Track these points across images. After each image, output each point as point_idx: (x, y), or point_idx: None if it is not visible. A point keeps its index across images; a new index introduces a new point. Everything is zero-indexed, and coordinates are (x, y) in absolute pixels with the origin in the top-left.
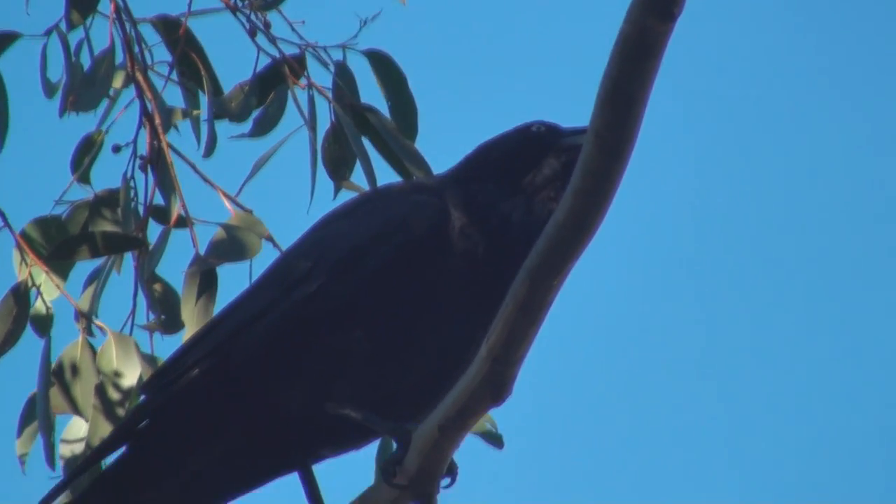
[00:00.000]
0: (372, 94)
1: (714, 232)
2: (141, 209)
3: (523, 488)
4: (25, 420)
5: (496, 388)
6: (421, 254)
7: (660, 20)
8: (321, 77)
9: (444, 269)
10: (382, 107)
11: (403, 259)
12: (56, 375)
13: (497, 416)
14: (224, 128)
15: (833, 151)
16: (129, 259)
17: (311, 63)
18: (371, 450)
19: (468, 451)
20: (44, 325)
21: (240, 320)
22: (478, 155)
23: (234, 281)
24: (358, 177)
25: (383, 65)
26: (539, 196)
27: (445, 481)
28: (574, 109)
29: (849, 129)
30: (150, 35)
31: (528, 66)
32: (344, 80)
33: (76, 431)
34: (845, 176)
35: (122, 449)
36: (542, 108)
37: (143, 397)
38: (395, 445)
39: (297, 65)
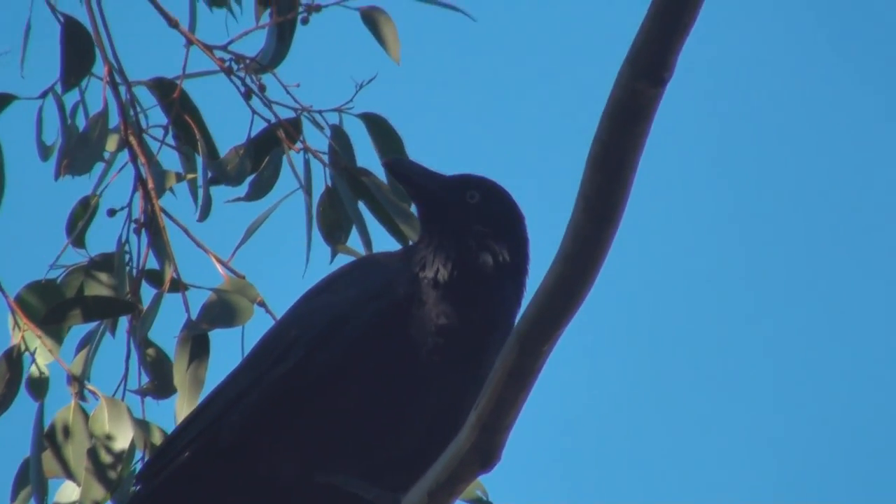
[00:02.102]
0: (368, 156)
1: (708, 289)
2: (135, 273)
3: None
4: (19, 484)
5: (485, 454)
6: (400, 316)
7: (650, 84)
8: (316, 140)
9: (424, 329)
10: (379, 170)
11: (383, 325)
12: (49, 439)
13: (488, 483)
14: (220, 191)
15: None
16: (122, 323)
17: (306, 126)
18: None
19: None
20: (39, 389)
21: (226, 399)
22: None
23: (226, 346)
24: (354, 240)
25: (379, 127)
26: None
27: None
28: (567, 169)
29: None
30: (146, 97)
31: (522, 126)
32: (340, 143)
33: (69, 495)
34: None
35: None
36: (536, 169)
37: (137, 487)
38: None
39: (292, 128)
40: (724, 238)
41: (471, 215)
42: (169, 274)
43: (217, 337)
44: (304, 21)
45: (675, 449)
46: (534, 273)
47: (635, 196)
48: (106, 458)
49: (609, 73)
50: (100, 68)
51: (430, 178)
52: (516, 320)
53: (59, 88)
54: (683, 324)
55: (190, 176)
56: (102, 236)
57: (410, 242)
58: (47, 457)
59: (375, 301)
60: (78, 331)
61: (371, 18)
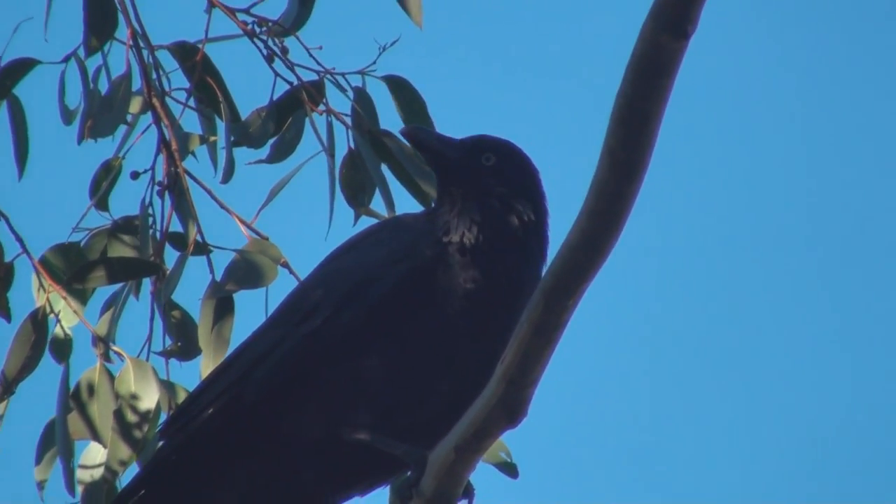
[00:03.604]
0: (391, 118)
1: (729, 246)
2: (158, 235)
3: None
4: (44, 446)
5: (511, 409)
6: (426, 278)
7: (674, 37)
8: (339, 103)
9: (451, 293)
10: (400, 134)
11: (409, 284)
12: (74, 400)
13: (511, 443)
14: (241, 154)
15: (855, 159)
16: (146, 285)
17: (329, 89)
18: None
19: (481, 481)
20: (63, 350)
21: (251, 358)
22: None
23: (250, 307)
24: (377, 203)
25: (402, 90)
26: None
27: (462, 503)
28: (591, 125)
29: (872, 137)
30: (168, 61)
31: (545, 85)
32: (363, 105)
33: (94, 457)
34: (871, 184)
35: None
36: (559, 126)
37: (161, 443)
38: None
39: (314, 90)
40: (750, 194)
41: (488, 178)
42: (193, 236)
43: (241, 298)
44: None
45: (703, 401)
46: (558, 228)
47: (659, 151)
48: (132, 419)
49: (633, 28)
50: (122, 32)
51: (446, 144)
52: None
53: (81, 53)
54: (709, 278)
55: (213, 138)
56: (126, 199)
57: (433, 203)
58: (73, 418)
59: (402, 262)
60: (101, 294)
61: None
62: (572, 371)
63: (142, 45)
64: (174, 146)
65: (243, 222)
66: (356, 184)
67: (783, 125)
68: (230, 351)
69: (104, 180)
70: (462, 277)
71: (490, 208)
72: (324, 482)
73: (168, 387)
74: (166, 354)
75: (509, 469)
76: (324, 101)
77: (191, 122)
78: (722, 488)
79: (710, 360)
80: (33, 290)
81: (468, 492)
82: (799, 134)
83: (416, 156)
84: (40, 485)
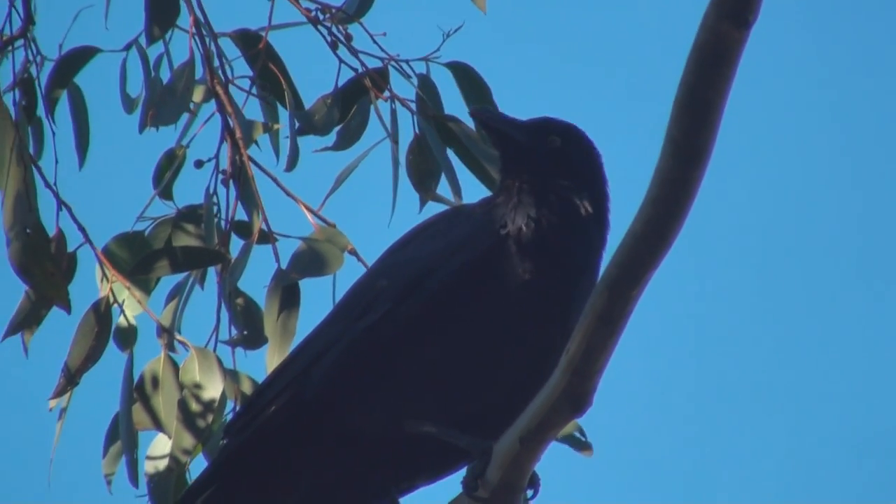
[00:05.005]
0: (455, 105)
1: (794, 236)
2: (223, 224)
3: (609, 498)
4: (110, 439)
5: (576, 399)
6: (484, 270)
7: (735, 26)
8: (403, 89)
9: (509, 283)
10: (466, 119)
11: (468, 276)
12: (138, 391)
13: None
14: (306, 141)
15: None
16: (211, 274)
17: (393, 75)
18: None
19: (554, 459)
20: (127, 339)
21: (313, 352)
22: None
23: (317, 295)
24: (443, 188)
25: (466, 76)
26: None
27: (528, 493)
28: (652, 115)
29: None
30: (230, 49)
31: (609, 71)
32: (427, 92)
33: (160, 448)
34: None
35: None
36: (623, 114)
37: (224, 441)
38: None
39: (379, 77)
40: (816, 183)
41: (553, 161)
42: (258, 224)
43: (308, 287)
44: None
45: (770, 391)
46: (622, 217)
47: (722, 139)
48: (196, 409)
49: (695, 16)
50: (184, 20)
51: (513, 126)
52: (602, 264)
53: (143, 41)
54: (773, 268)
55: (278, 126)
56: (190, 188)
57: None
58: (137, 409)
59: (459, 253)
60: (166, 284)
61: None
62: (636, 361)
63: (204, 32)
64: (238, 134)
65: (310, 210)
66: (422, 170)
67: (846, 119)
68: (297, 340)
69: (168, 169)
70: (520, 268)
71: (549, 198)
72: (388, 474)
73: (233, 376)
74: (233, 343)
75: (583, 447)
76: (388, 87)
77: (253, 110)
78: (794, 461)
79: (777, 344)
80: (97, 281)
81: (534, 482)
82: (859, 127)
83: (482, 138)
84: (108, 478)
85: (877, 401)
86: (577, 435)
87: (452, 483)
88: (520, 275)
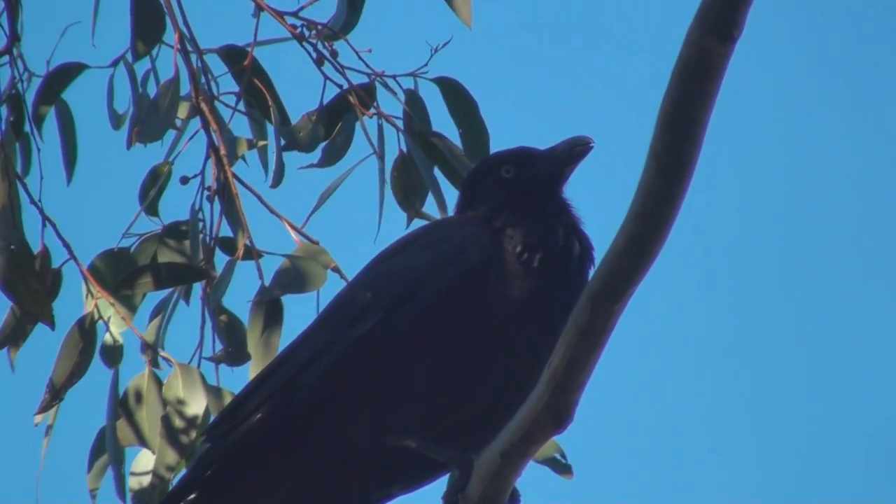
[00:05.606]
0: (441, 122)
1: (779, 250)
2: (208, 240)
3: None
4: (95, 454)
5: (558, 414)
6: (475, 283)
7: (720, 41)
8: (389, 105)
9: (500, 297)
10: (453, 135)
11: (458, 289)
12: (123, 407)
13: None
14: (291, 158)
15: None
16: (196, 291)
17: (379, 92)
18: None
19: (536, 480)
20: (113, 357)
21: (299, 362)
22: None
23: (299, 312)
24: (429, 205)
25: (454, 92)
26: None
27: None
28: (637, 129)
29: None
30: (217, 65)
31: (592, 86)
32: (414, 108)
33: (144, 464)
34: None
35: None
36: (606, 129)
37: (206, 445)
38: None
39: (365, 94)
40: (797, 199)
41: (512, 190)
42: (242, 241)
43: (291, 304)
44: None
45: (751, 406)
46: (606, 231)
47: (706, 155)
48: (180, 425)
49: (679, 31)
50: (170, 36)
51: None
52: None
53: (129, 57)
54: (756, 283)
55: (262, 143)
56: (175, 204)
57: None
58: (122, 425)
59: (452, 266)
60: (151, 300)
61: None
62: (618, 376)
63: (190, 49)
64: (223, 151)
65: (293, 227)
66: (408, 187)
67: (829, 129)
68: None
69: (153, 186)
70: (514, 285)
71: (555, 235)
72: (367, 482)
73: (216, 392)
74: (216, 360)
75: (563, 469)
76: (374, 104)
77: (240, 126)
78: (765, 488)
79: (755, 364)
80: (82, 297)
81: (514, 497)
82: (843, 138)
83: (469, 155)
84: (93, 493)
85: (870, 403)
86: (558, 457)
87: (431, 492)
88: (510, 288)
